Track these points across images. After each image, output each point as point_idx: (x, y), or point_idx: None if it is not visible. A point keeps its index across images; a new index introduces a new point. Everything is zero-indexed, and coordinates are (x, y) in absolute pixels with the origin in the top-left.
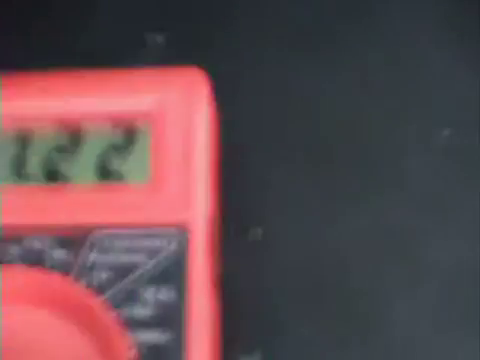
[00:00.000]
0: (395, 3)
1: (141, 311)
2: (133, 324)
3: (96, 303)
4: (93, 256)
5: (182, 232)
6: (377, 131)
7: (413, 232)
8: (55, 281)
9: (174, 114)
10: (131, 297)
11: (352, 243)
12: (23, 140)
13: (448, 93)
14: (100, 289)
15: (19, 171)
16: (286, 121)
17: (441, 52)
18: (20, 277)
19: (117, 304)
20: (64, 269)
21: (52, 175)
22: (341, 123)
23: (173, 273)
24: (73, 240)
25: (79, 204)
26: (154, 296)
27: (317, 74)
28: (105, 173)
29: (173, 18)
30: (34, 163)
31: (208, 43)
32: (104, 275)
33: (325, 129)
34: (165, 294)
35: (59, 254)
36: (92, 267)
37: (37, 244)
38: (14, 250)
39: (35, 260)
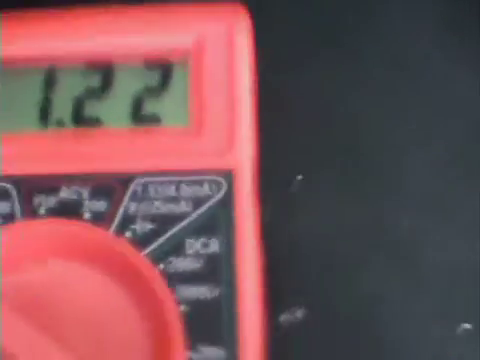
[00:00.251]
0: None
1: (186, 264)
2: (178, 279)
3: (138, 257)
4: (133, 206)
5: (227, 177)
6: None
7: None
8: (93, 234)
9: (214, 51)
10: (175, 250)
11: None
12: (49, 81)
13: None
14: (142, 242)
15: (46, 116)
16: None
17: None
18: (56, 231)
19: (160, 258)
20: (102, 221)
21: (82, 119)
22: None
23: (220, 222)
24: (111, 189)
25: (115, 150)
26: (200, 248)
27: None
28: (141, 116)
29: None
30: (62, 106)
31: None
32: (146, 227)
33: None
34: (212, 245)
35: (97, 205)
36: (133, 218)
37: (73, 195)
38: (48, 202)
39: (71, 212)
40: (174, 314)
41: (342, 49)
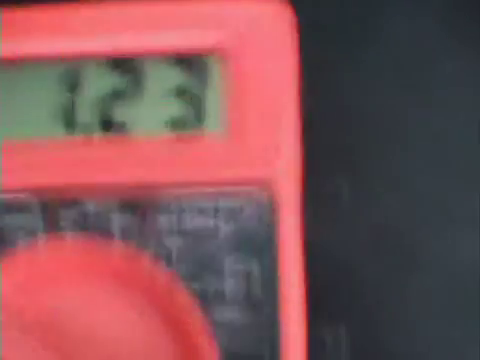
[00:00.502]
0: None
1: (222, 284)
2: (210, 301)
3: (166, 276)
4: (162, 221)
5: (267, 191)
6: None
7: None
8: (117, 251)
9: (254, 49)
10: (208, 269)
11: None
12: (72, 83)
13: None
14: (173, 259)
15: (69, 120)
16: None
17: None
18: (76, 247)
19: (191, 277)
20: (128, 237)
21: (109, 124)
22: None
23: (260, 239)
24: (138, 202)
25: (143, 159)
26: (235, 267)
27: None
28: (173, 121)
29: None
30: (86, 110)
31: None
32: (177, 243)
33: None
34: (248, 265)
35: (122, 219)
36: (161, 234)
37: (95, 208)
38: (69, 215)
39: (97, 227)
40: (206, 339)
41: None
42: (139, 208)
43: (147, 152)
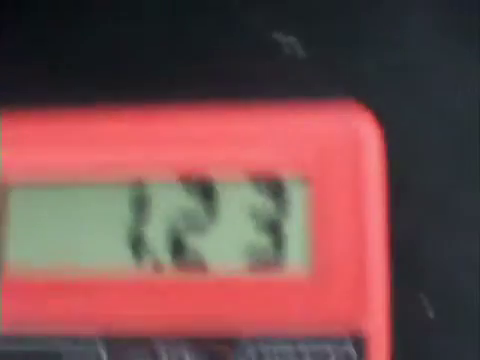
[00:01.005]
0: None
1: None
2: None
3: None
4: None
5: (356, 340)
6: None
7: None
8: None
9: (338, 170)
10: None
11: None
12: (141, 205)
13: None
14: None
15: (138, 248)
16: None
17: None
18: None
19: None
20: None
21: (181, 253)
22: None
23: None
24: (212, 345)
25: (218, 294)
26: None
27: None
28: (250, 251)
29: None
30: (157, 236)
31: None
32: None
33: None
34: None
35: None
36: None
37: (166, 347)
38: (137, 354)
39: None
40: None
41: None
42: (216, 355)
43: (222, 286)
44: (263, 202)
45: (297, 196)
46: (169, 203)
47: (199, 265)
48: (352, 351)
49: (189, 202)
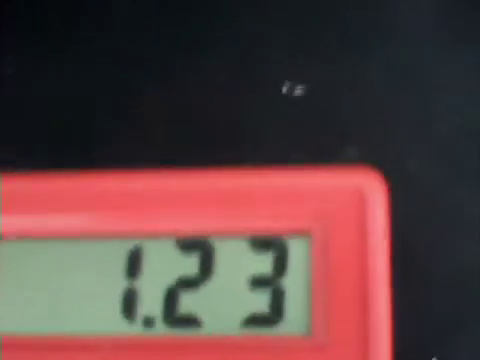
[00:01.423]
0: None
1: None
2: None
3: None
4: None
5: None
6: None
7: None
8: None
9: (341, 229)
10: None
11: None
12: (133, 269)
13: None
14: None
15: (130, 312)
16: None
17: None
18: None
19: None
20: None
21: (175, 318)
22: None
23: None
24: None
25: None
26: None
27: None
28: (249, 317)
29: None
30: (150, 300)
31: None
32: None
33: None
34: None
35: None
36: None
37: None
38: None
39: None
40: None
41: None
42: None
43: (216, 345)
44: (261, 259)
45: (297, 253)
46: (164, 259)
47: (193, 323)
48: None
49: (184, 258)
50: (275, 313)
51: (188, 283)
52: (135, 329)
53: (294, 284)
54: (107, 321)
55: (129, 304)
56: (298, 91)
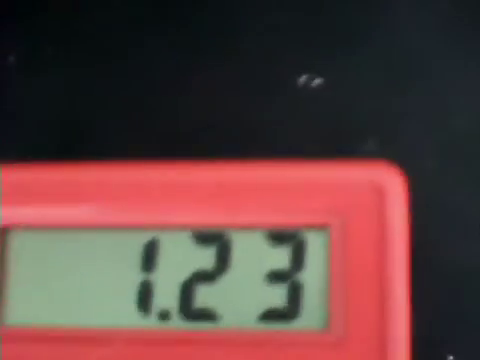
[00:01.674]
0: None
1: None
2: None
3: None
4: None
5: None
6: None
7: None
8: None
9: (360, 224)
10: None
11: None
12: (149, 262)
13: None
14: None
15: (145, 305)
16: None
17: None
18: None
19: None
20: None
21: (192, 312)
22: None
23: None
24: None
25: (231, 353)
26: None
27: None
28: (265, 311)
29: None
30: (166, 293)
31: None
32: None
33: None
34: None
35: None
36: None
37: None
38: None
39: None
40: None
41: None
42: None
43: (233, 338)
44: (279, 253)
45: (315, 247)
46: (180, 252)
47: (209, 317)
48: None
49: (201, 251)
50: (292, 308)
51: (204, 276)
52: (150, 322)
53: (312, 278)
54: (122, 314)
55: (144, 297)
56: (315, 83)
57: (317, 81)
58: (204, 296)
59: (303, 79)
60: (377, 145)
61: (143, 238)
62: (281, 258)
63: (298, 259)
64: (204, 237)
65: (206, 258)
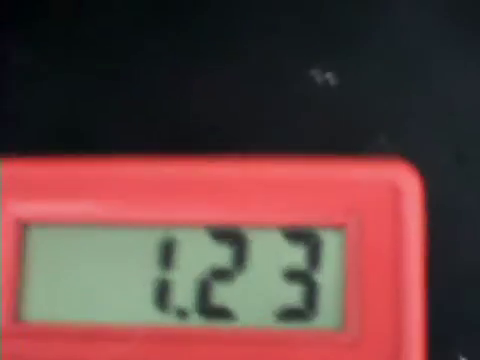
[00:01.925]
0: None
1: None
2: None
3: None
4: None
5: None
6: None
7: None
8: None
9: (377, 224)
10: None
11: None
12: (166, 258)
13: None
14: None
15: (163, 302)
16: None
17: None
18: None
19: None
20: None
21: (209, 309)
22: None
23: None
24: None
25: (248, 351)
26: None
27: None
28: (282, 310)
29: None
30: (183, 290)
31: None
32: None
33: None
34: None
35: None
36: None
37: None
38: None
39: None
40: None
41: None
42: None
43: (249, 337)
44: (295, 251)
45: (331, 246)
46: (197, 250)
47: (225, 315)
48: None
49: (218, 250)
50: (308, 307)
51: (221, 274)
52: (168, 320)
53: (328, 277)
54: (139, 311)
55: (162, 294)
56: (330, 80)
57: (331, 78)
58: (221, 294)
59: (317, 76)
60: (393, 144)
61: (161, 234)
62: (297, 257)
63: (315, 258)
64: (221, 234)
65: (223, 256)
